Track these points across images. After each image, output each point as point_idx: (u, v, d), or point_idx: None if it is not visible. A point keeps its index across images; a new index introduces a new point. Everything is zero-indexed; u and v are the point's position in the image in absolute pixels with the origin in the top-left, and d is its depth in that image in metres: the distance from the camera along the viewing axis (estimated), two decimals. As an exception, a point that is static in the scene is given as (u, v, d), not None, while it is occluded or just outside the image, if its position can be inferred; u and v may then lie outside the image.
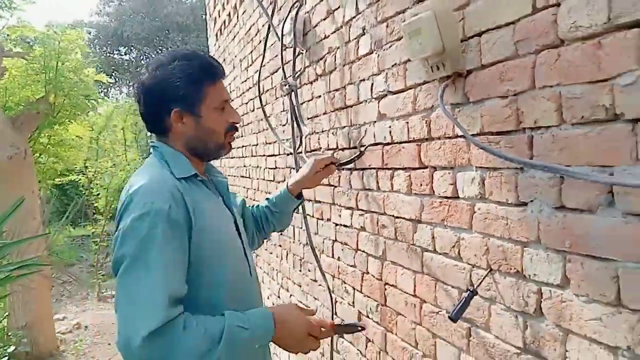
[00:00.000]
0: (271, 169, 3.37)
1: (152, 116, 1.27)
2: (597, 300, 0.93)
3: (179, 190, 1.15)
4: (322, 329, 1.26)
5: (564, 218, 1.00)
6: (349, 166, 1.85)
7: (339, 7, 2.04)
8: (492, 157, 1.19)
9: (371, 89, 1.80)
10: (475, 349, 1.30)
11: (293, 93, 2.39)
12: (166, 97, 1.23)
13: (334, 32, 2.11)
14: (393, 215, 1.71)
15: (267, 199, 1.71)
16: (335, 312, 2.26)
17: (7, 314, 4.73)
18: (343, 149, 2.10)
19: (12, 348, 4.34)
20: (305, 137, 2.37)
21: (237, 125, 1.34)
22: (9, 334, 4.57)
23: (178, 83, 1.21)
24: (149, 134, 1.42)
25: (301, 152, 2.48)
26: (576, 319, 0.98)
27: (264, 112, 2.93)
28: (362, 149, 1.56)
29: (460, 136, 1.31)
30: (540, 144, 1.04)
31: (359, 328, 1.41)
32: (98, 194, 8.83)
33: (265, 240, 1.80)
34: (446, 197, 1.40)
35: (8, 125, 4.40)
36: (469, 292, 1.23)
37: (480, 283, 1.24)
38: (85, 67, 5.11)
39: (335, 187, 2.22)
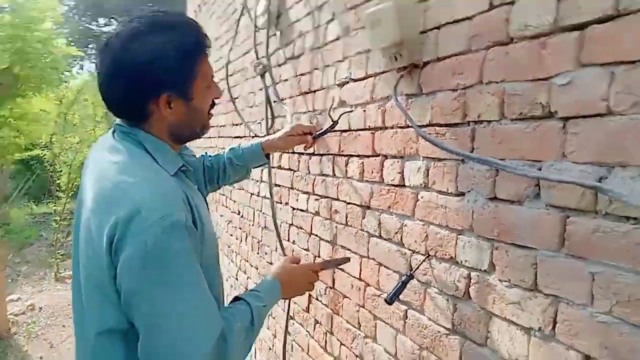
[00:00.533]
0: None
1: (129, 102, 1.01)
2: (517, 285, 0.98)
3: (185, 193, 0.98)
4: (313, 272, 1.34)
5: (495, 208, 1.05)
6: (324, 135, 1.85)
7: (312, -9, 2.05)
8: (437, 148, 1.23)
9: (334, 76, 1.83)
10: (410, 330, 1.35)
11: (267, 73, 2.39)
12: (154, 80, 0.98)
13: (306, 15, 2.12)
14: (345, 201, 1.75)
15: (232, 148, 1.61)
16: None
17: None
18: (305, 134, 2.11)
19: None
20: (291, 115, 2.36)
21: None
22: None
23: (171, 62, 0.97)
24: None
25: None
26: (498, 302, 1.03)
27: (230, 93, 2.92)
28: (336, 119, 1.58)
29: (411, 126, 1.35)
30: (482, 137, 1.09)
31: (344, 261, 1.48)
32: (61, 171, 8.53)
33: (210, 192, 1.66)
34: (394, 185, 1.44)
35: (-34, 97, 4.21)
36: (405, 276, 1.27)
37: (417, 268, 1.29)
38: (55, 39, 4.90)
39: (295, 171, 2.25)
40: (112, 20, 19.73)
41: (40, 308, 5.76)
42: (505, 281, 1.01)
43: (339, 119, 1.54)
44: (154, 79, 0.98)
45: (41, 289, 6.99)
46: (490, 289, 1.06)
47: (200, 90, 1.05)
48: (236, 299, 1.12)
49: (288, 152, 2.33)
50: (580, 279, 0.85)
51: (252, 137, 2.92)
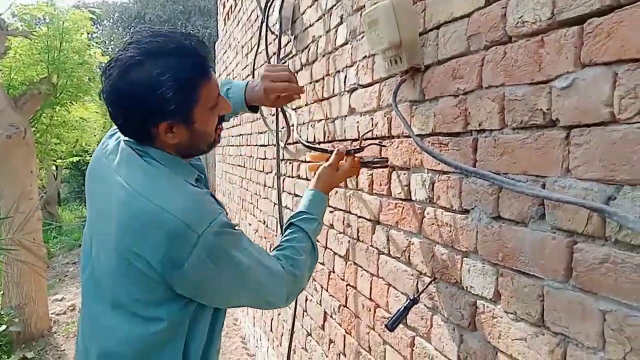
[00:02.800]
0: (261, 159, 3.32)
1: (131, 127, 1.01)
2: (523, 318, 0.86)
3: (213, 197, 1.04)
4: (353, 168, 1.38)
5: (499, 229, 0.93)
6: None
7: (323, -5, 1.97)
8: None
9: (344, 81, 1.73)
10: (417, 359, 1.24)
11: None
12: (152, 111, 0.96)
13: (318, 20, 2.04)
14: (356, 214, 1.65)
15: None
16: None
17: (1, 292, 4.79)
18: (319, 143, 2.04)
19: (3, 327, 4.38)
20: (292, 127, 2.31)
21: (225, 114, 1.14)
22: (1, 313, 4.62)
23: (169, 94, 0.94)
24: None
25: (289, 144, 2.44)
26: (504, 337, 0.91)
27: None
28: (364, 145, 1.41)
29: (416, 135, 1.23)
30: (484, 148, 0.97)
31: (384, 161, 1.40)
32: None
33: None
34: (401, 199, 1.33)
35: (10, 105, 4.41)
36: (409, 301, 1.16)
37: (421, 292, 1.17)
38: (90, 48, 5.08)
39: (311, 181, 2.16)
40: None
41: (80, 309, 5.96)
42: (511, 313, 0.89)
43: (365, 147, 1.44)
44: (152, 109, 0.96)
45: (85, 290, 7.20)
46: (496, 320, 0.94)
47: (203, 113, 1.02)
48: (290, 225, 1.22)
49: (307, 162, 2.26)
50: (590, 317, 0.72)
51: (273, 145, 2.87)
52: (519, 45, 0.87)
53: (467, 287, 1.03)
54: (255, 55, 2.93)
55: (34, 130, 5.55)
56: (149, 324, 0.95)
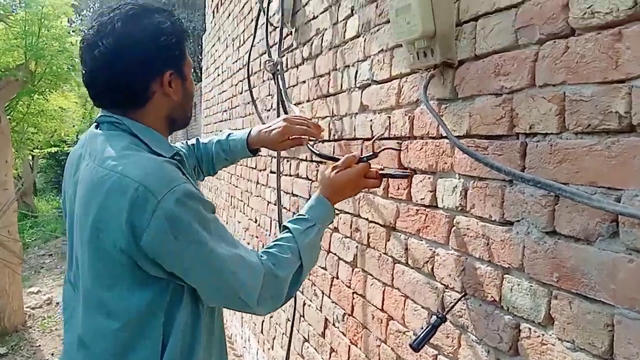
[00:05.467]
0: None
1: (131, 84, 0.97)
2: (584, 349, 0.76)
3: (185, 175, 0.97)
4: (363, 176, 1.22)
5: (554, 245, 0.83)
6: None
7: (331, -16, 1.85)
8: (478, 165, 1.01)
9: (355, 77, 1.62)
10: (440, 381, 1.14)
11: (279, 73, 2.20)
12: (160, 57, 0.98)
13: (324, 11, 1.92)
14: (367, 219, 1.54)
15: (218, 141, 1.45)
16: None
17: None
18: (323, 141, 1.92)
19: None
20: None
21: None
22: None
23: (172, 40, 0.99)
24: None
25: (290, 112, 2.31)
26: (558, 368, 0.81)
27: (251, 94, 2.72)
28: (377, 151, 1.25)
29: (445, 137, 1.13)
30: (535, 154, 0.87)
31: (406, 174, 1.27)
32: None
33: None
34: (424, 206, 1.22)
35: (-17, 92, 4.18)
36: (436, 318, 1.06)
37: (451, 308, 1.07)
38: (70, 36, 4.83)
39: (313, 181, 2.05)
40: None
41: (57, 303, 5.73)
42: (568, 342, 0.79)
43: (380, 152, 1.26)
44: (160, 55, 0.98)
45: (61, 283, 6.99)
46: (546, 347, 0.84)
47: (189, 73, 1.07)
48: (284, 227, 1.13)
49: (306, 160, 2.14)
50: (682, 355, 0.62)
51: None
52: (587, 39, 0.76)
53: (508, 307, 0.93)
54: (251, 46, 2.79)
55: (10, 119, 5.28)
56: (121, 315, 0.92)
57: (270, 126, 1.39)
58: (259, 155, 1.56)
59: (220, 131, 1.58)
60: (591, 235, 0.76)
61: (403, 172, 1.28)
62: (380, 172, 1.23)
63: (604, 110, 0.73)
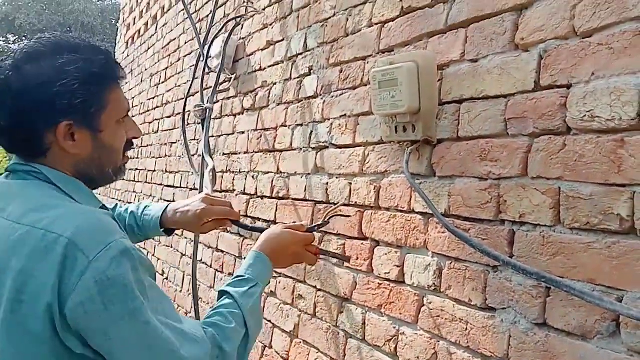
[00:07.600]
0: (167, 201, 2.96)
1: (21, 132, 0.86)
2: None
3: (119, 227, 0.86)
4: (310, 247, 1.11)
5: (545, 338, 0.83)
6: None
7: (282, 39, 1.83)
8: (456, 246, 1.01)
9: (310, 137, 1.58)
10: None
11: (207, 120, 2.07)
12: (53, 106, 0.84)
13: (273, 65, 1.88)
14: (314, 287, 1.46)
15: (132, 213, 1.25)
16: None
17: None
18: (262, 197, 1.83)
19: None
20: (209, 171, 2.02)
21: (135, 141, 1.01)
22: None
23: (74, 85, 0.84)
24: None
25: (204, 190, 2.15)
26: None
27: (184, 138, 2.50)
28: (327, 219, 1.15)
29: (418, 212, 1.12)
30: (525, 243, 0.88)
31: (344, 259, 1.25)
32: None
33: None
34: (388, 280, 1.19)
35: None
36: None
37: (423, 395, 1.02)
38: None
39: (246, 238, 1.93)
40: (23, 39, 18.43)
41: None
42: None
43: (330, 219, 1.17)
44: (49, 103, 0.83)
45: None
46: None
47: (112, 124, 0.91)
48: (220, 292, 0.99)
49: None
50: None
51: (189, 190, 2.56)
52: (587, 141, 0.80)
53: (489, 398, 0.91)
54: (188, 92, 2.60)
55: None
56: None
57: (187, 205, 1.21)
58: (174, 235, 1.40)
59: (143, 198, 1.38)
60: (589, 333, 0.77)
61: (342, 255, 1.26)
62: (319, 249, 1.13)
63: (605, 211, 0.77)
